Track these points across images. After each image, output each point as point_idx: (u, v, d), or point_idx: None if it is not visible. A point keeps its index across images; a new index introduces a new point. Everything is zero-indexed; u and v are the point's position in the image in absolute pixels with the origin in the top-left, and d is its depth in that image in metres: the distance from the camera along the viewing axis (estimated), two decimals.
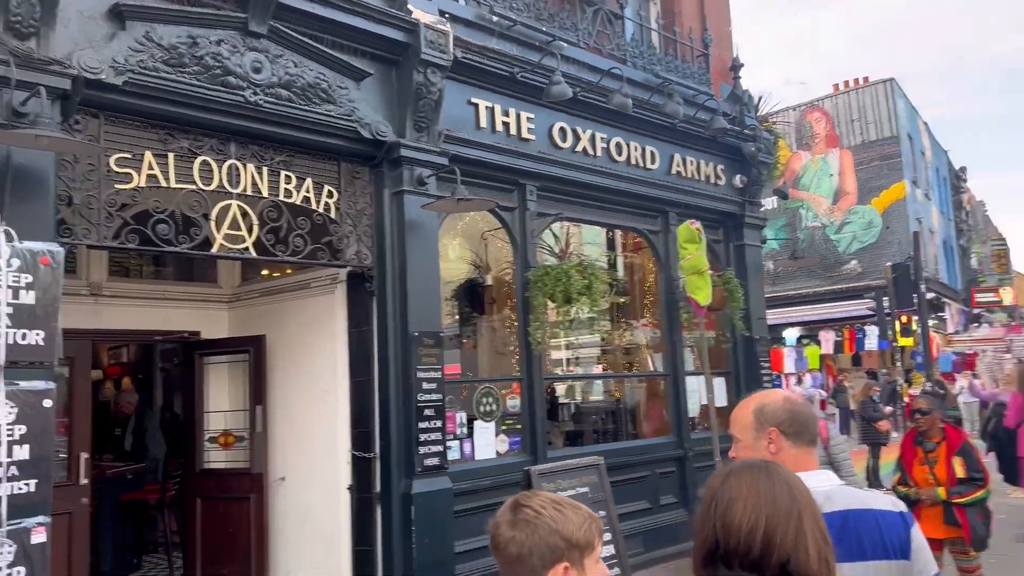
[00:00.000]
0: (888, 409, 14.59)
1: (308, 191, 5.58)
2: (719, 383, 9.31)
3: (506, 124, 6.90)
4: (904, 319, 21.35)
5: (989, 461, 9.76)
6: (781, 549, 1.36)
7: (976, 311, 28.98)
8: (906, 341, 22.68)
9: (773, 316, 26.25)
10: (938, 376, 22.42)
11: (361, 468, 5.82)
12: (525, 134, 7.02)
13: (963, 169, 36.81)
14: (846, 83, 27.08)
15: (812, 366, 25.03)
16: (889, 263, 12.78)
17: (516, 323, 7.14)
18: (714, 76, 9.39)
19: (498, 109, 6.84)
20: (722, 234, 9.52)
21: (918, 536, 1.88)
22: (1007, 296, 29.45)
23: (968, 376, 20.57)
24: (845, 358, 25.59)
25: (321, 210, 5.64)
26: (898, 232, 24.96)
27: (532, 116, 7.09)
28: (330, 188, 5.74)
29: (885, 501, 1.92)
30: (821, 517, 1.47)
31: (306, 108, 5.39)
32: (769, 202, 27.60)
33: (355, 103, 5.68)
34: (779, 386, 26.02)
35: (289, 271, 6.62)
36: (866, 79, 26.69)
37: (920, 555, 1.83)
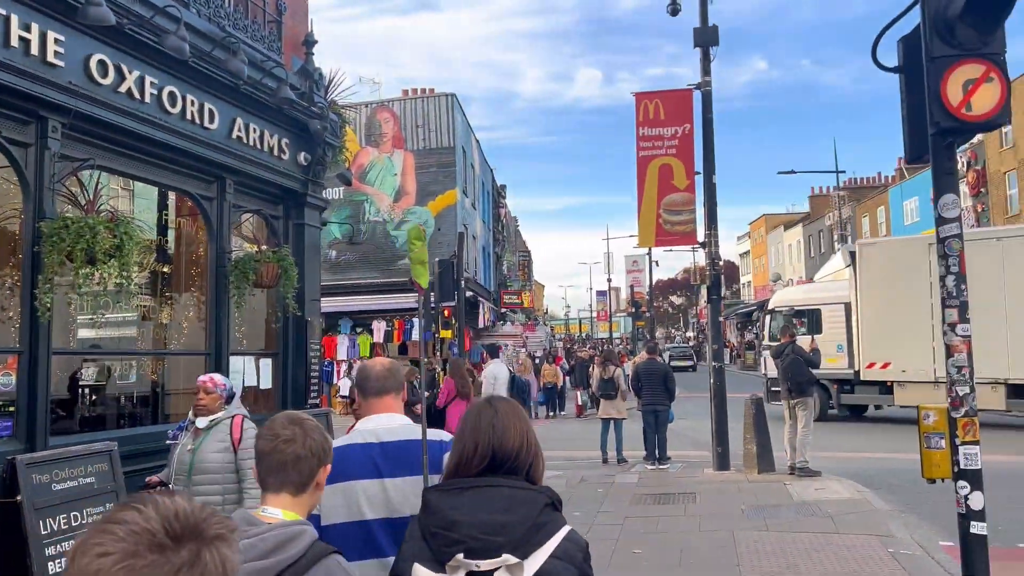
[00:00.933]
0: (427, 393, 15.74)
1: None
2: (266, 364, 8.91)
3: (25, 41, 5.60)
4: (447, 313, 23.34)
5: None
6: (529, 458, 1.93)
7: (503, 311, 32.97)
8: (446, 333, 24.87)
9: (331, 304, 26.67)
10: (468, 366, 25.04)
11: None
12: (51, 58, 5.79)
13: (503, 187, 41.74)
14: (414, 90, 28.68)
15: (363, 354, 25.97)
16: (437, 259, 13.79)
17: (20, 284, 5.85)
18: (285, 47, 8.97)
19: (16, 20, 5.52)
20: (282, 211, 9.14)
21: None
22: (526, 300, 34.14)
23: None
24: (394, 347, 27.05)
25: None
26: (448, 235, 27.17)
27: (62, 39, 5.88)
28: None
29: (432, 434, 2.59)
30: (534, 433, 2.03)
31: None
32: (336, 192, 27.95)
33: None
34: (330, 372, 26.46)
35: None
36: (432, 90, 28.62)
37: None
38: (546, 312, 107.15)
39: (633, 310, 33.24)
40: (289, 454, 1.92)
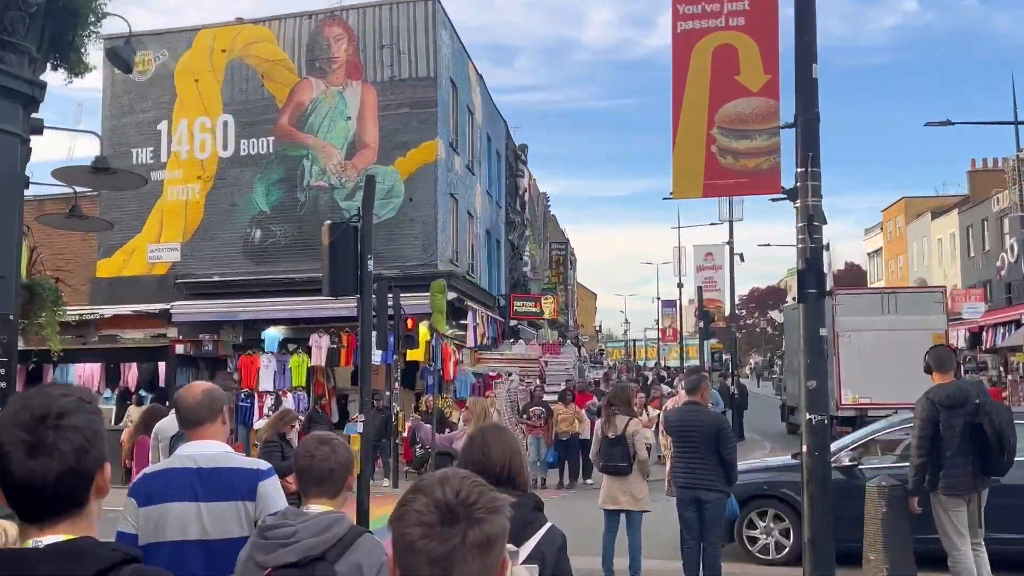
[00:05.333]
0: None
1: None
2: None
3: None
4: (409, 324, 20.20)
5: None
6: (514, 471, 3.33)
7: (513, 323, 29.87)
8: (416, 354, 21.74)
9: (252, 309, 23.77)
10: (445, 401, 21.84)
11: None
12: None
13: (523, 148, 38.58)
14: None
15: (297, 382, 23.26)
16: (329, 221, 10.59)
17: None
18: None
19: None
20: None
21: (265, 487, 3.78)
22: (547, 308, 30.75)
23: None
24: (344, 372, 24.07)
25: None
26: (423, 208, 24.15)
27: None
28: None
29: (249, 462, 3.98)
30: (520, 452, 3.63)
31: None
32: (264, 143, 25.10)
33: None
34: (248, 408, 23.75)
35: None
36: None
37: (264, 499, 3.74)
38: (599, 331, 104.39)
39: (701, 324, 29.46)
40: (323, 470, 3.27)
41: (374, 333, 16.39)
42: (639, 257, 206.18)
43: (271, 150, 25.15)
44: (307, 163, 24.98)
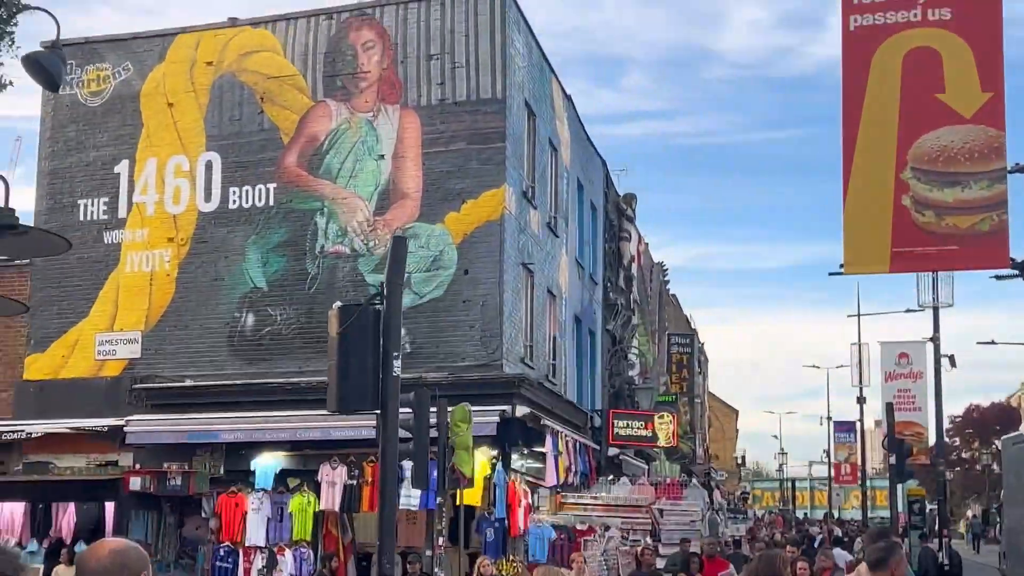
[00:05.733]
0: None
1: None
2: None
3: None
4: (451, 466, 20.10)
5: None
6: None
7: (614, 451, 29.66)
8: (470, 496, 21.63)
9: (238, 427, 23.89)
10: (512, 568, 21.51)
11: None
12: None
13: (631, 200, 38.71)
14: None
15: (299, 534, 23.34)
16: (340, 303, 10.58)
17: None
18: None
19: None
20: None
21: None
22: (662, 431, 30.43)
23: None
24: (368, 521, 23.96)
25: None
26: (484, 284, 24.17)
27: None
28: None
29: None
30: None
31: None
32: (260, 191, 25.48)
33: None
34: (230, 570, 23.79)
35: None
36: None
37: None
38: (741, 464, 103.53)
39: (893, 459, 28.81)
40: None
41: (407, 465, 16.49)
42: (801, 359, 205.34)
43: (272, 202, 25.58)
44: (321, 220, 25.31)
